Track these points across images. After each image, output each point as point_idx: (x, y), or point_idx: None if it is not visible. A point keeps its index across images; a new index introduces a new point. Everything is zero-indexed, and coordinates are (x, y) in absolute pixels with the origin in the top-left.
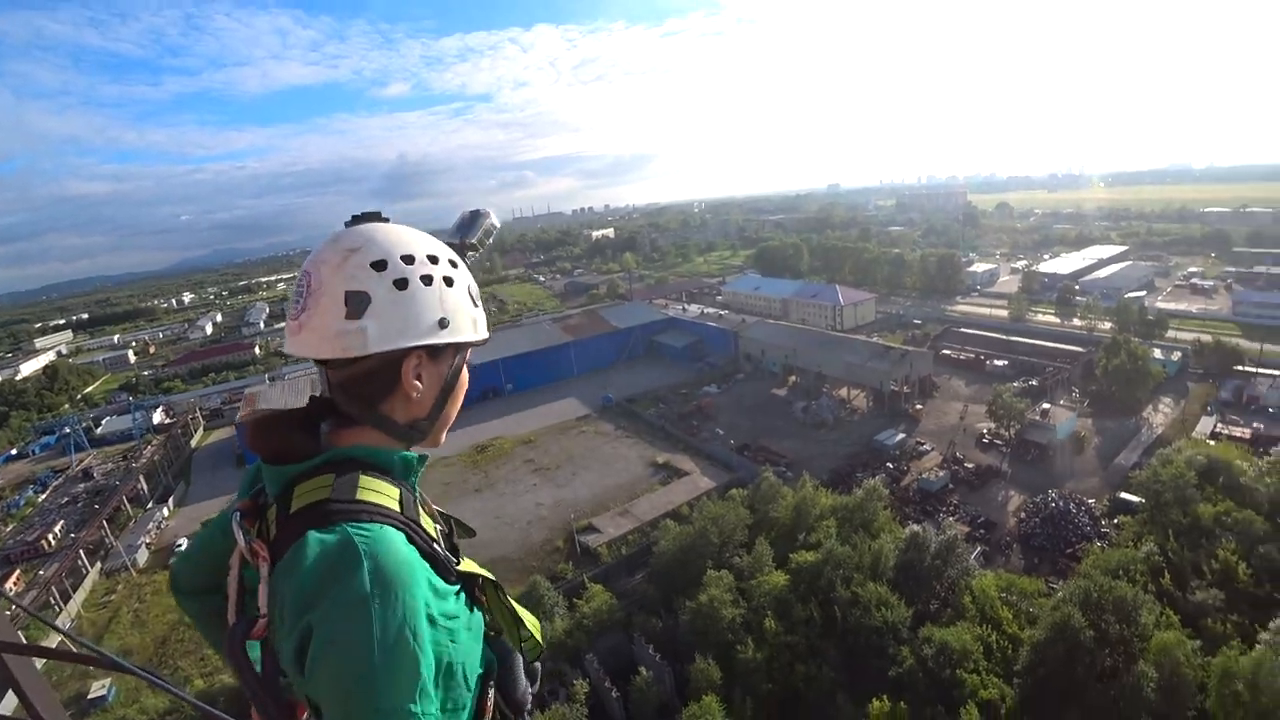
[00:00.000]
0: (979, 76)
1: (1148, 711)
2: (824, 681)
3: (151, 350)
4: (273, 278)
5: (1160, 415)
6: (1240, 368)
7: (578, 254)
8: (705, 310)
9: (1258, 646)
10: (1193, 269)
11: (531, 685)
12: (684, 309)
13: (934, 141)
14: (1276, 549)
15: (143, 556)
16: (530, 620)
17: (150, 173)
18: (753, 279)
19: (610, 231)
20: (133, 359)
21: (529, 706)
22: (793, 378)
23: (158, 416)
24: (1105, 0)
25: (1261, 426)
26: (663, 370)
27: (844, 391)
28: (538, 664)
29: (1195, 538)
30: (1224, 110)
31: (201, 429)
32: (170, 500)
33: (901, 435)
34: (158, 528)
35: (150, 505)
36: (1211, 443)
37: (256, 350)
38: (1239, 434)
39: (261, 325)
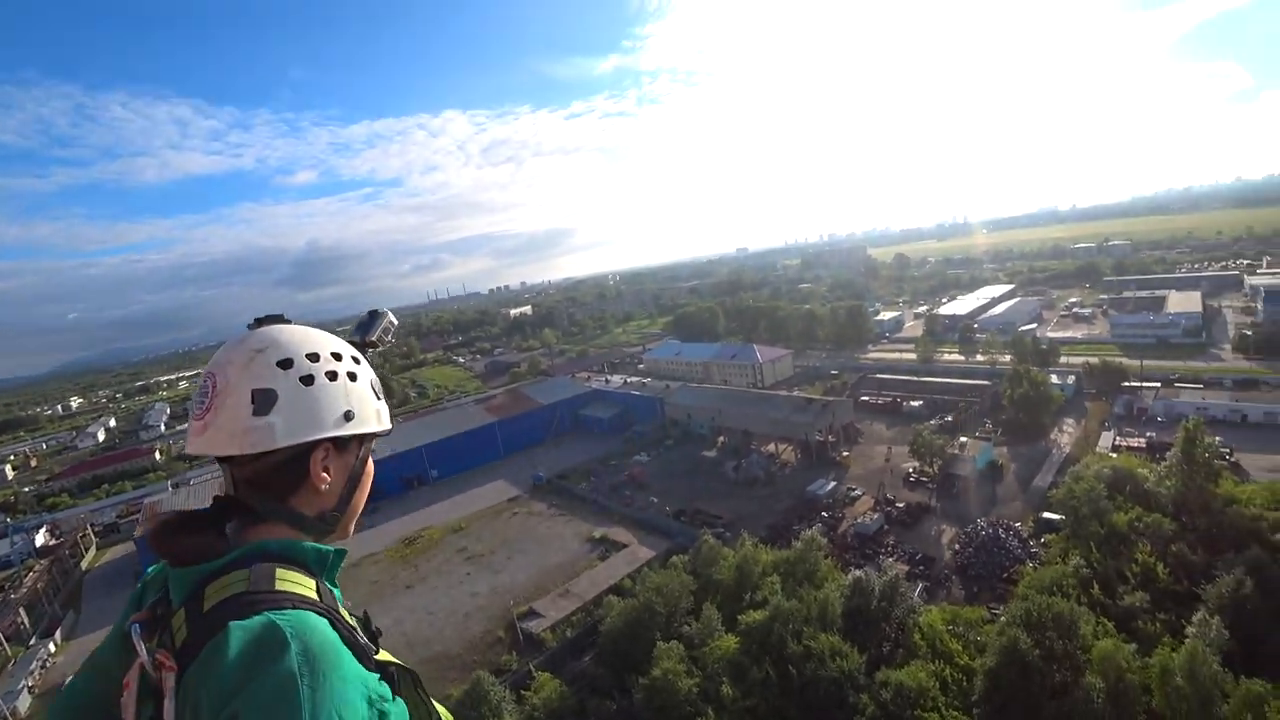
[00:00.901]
0: (868, 140)
1: (1099, 718)
2: None
3: (34, 463)
4: (174, 375)
5: (1065, 435)
6: (1127, 384)
7: (496, 333)
8: (628, 379)
9: (1186, 640)
10: (1072, 299)
11: None
12: (607, 380)
13: (832, 201)
14: (1187, 546)
15: (25, 702)
16: (446, 716)
17: (35, 269)
18: (673, 345)
19: (528, 309)
20: (11, 474)
21: None
22: (721, 438)
23: (41, 538)
24: (972, 70)
25: (1154, 435)
26: (591, 443)
27: (772, 447)
28: None
29: (1114, 545)
30: (1080, 158)
31: (94, 547)
32: (57, 633)
33: (832, 483)
34: (42, 666)
35: (33, 641)
36: (1114, 455)
37: (157, 455)
38: (1135, 444)
39: (162, 428)
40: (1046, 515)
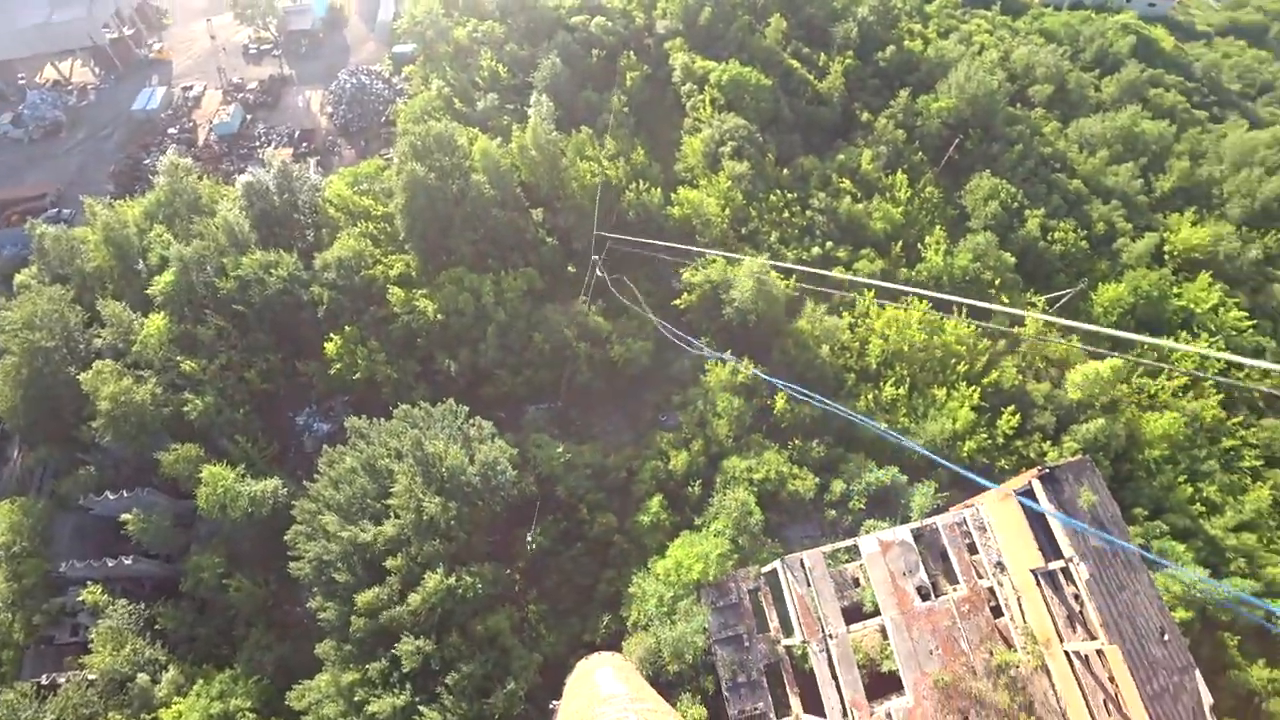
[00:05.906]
0: None
1: (491, 204)
2: (276, 368)
3: None
4: None
5: None
6: None
7: None
8: None
9: (529, 120)
10: None
11: None
12: None
13: None
14: (516, 45)
15: None
16: None
17: None
18: None
19: None
20: None
21: None
22: None
23: None
24: None
25: None
26: None
27: (51, 72)
28: None
29: (463, 60)
30: None
31: None
32: None
33: (161, 89)
34: None
35: None
36: None
37: None
38: None
39: None
40: (398, 49)
